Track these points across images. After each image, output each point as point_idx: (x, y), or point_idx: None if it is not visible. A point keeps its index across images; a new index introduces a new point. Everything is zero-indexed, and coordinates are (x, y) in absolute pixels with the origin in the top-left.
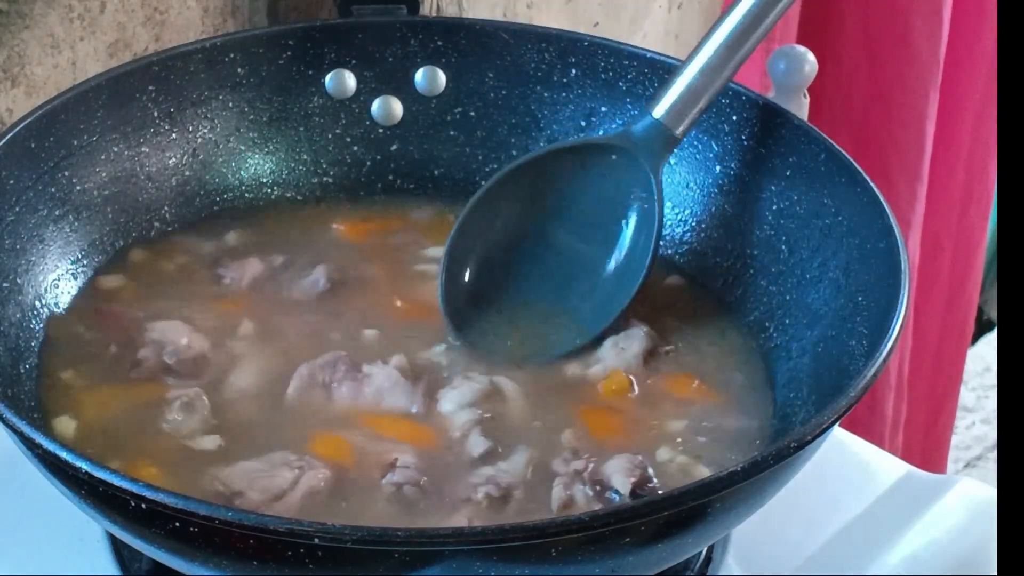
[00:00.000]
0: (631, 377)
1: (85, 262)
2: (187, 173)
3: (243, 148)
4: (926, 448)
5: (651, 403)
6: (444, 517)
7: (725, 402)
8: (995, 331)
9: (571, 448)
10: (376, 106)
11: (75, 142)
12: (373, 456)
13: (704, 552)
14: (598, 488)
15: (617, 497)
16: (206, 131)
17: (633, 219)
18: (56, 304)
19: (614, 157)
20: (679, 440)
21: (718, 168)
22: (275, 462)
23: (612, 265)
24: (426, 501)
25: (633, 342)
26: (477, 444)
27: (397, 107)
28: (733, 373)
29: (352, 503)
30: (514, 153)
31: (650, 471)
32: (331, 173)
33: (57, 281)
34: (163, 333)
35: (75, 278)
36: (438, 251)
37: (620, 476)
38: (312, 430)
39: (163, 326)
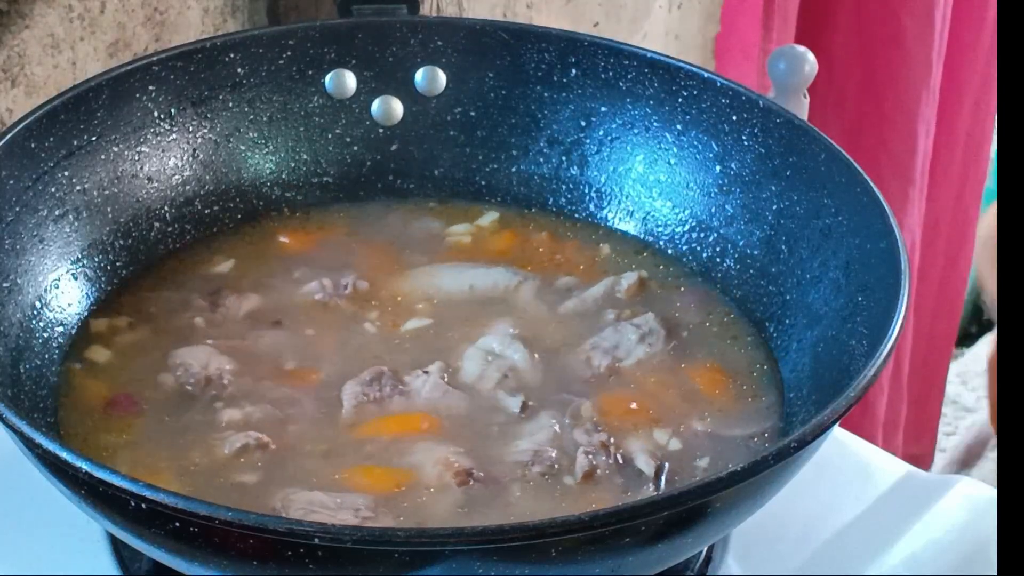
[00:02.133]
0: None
1: (85, 262)
2: (187, 173)
3: (243, 148)
4: (914, 449)
5: (655, 390)
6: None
7: (726, 400)
8: (995, 331)
9: (591, 420)
10: (376, 106)
11: (75, 142)
12: (428, 468)
13: (704, 552)
14: (620, 461)
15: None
16: (206, 131)
17: None
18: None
19: None
20: (680, 427)
21: (718, 168)
22: (344, 504)
23: None
24: (485, 491)
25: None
26: (509, 403)
27: (397, 107)
28: (733, 372)
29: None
30: (514, 153)
31: (666, 463)
32: (331, 173)
33: (57, 281)
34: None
35: (75, 278)
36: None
37: (644, 456)
38: (366, 454)
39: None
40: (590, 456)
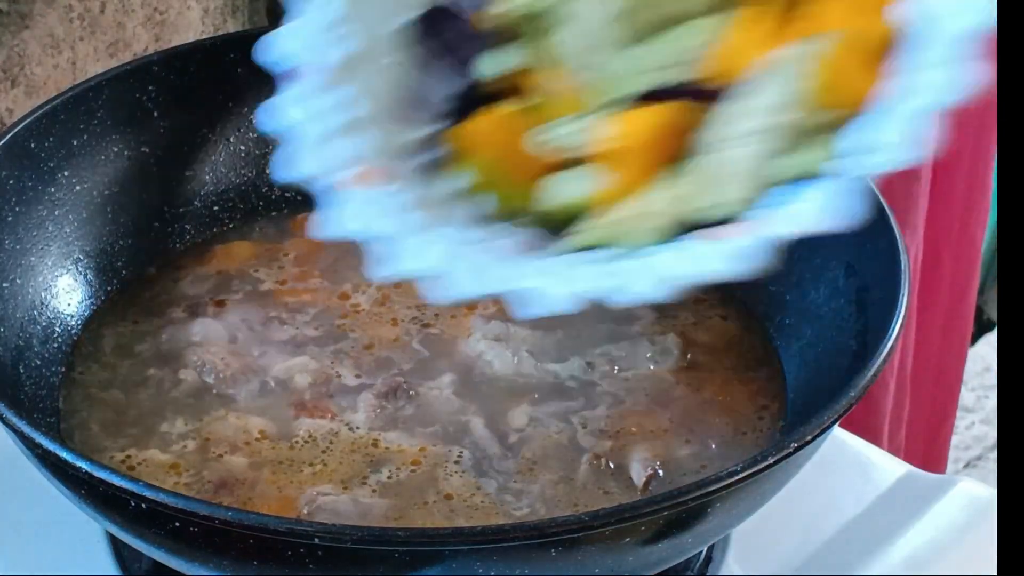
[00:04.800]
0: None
1: (85, 262)
2: (187, 173)
3: (243, 148)
4: (927, 449)
5: (657, 395)
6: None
7: (724, 400)
8: (995, 331)
9: (598, 428)
10: None
11: (75, 142)
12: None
13: (704, 552)
14: (612, 468)
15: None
16: (206, 131)
17: None
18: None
19: None
20: (682, 433)
21: None
22: (369, 513)
23: None
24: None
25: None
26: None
27: None
28: (733, 371)
29: None
30: None
31: (660, 470)
32: None
33: (57, 281)
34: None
35: (75, 278)
36: None
37: (639, 467)
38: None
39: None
40: (593, 463)
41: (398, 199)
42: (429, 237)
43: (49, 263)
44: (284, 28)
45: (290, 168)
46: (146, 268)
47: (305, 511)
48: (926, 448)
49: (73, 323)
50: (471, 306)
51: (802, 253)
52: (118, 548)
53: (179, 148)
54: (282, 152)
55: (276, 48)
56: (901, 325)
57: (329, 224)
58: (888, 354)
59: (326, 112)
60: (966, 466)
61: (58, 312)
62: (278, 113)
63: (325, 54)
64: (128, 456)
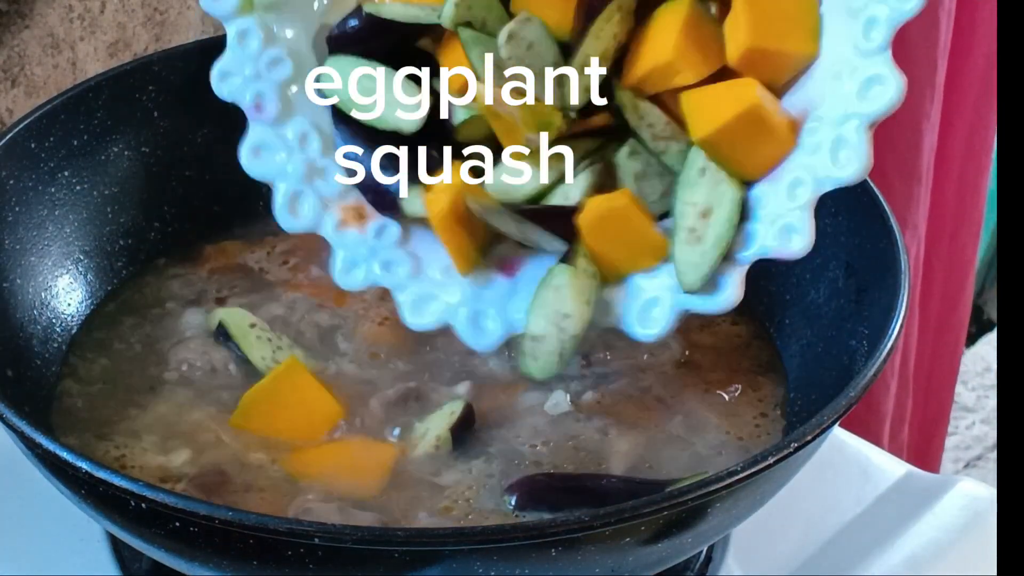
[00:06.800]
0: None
1: (85, 262)
2: (187, 172)
3: None
4: (924, 448)
5: (657, 394)
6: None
7: (724, 400)
8: (995, 331)
9: (585, 411)
10: None
11: (75, 142)
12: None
13: (704, 552)
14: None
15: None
16: (206, 131)
17: None
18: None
19: None
20: (680, 431)
21: None
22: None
23: None
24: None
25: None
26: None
27: None
28: (733, 372)
29: None
30: None
31: (658, 470)
32: None
33: (57, 281)
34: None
35: (75, 278)
36: None
37: (638, 467)
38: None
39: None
40: (591, 462)
41: (388, 235)
42: (445, 286)
43: (49, 263)
44: (217, 67)
45: (289, 216)
46: (145, 268)
47: (292, 515)
48: (924, 448)
49: (73, 323)
50: None
51: None
52: (118, 548)
53: (179, 148)
54: (277, 200)
55: (220, 88)
56: (901, 325)
57: (338, 275)
58: (888, 354)
59: (291, 149)
60: (966, 466)
61: (58, 312)
62: (253, 157)
63: (262, 84)
64: (125, 455)
